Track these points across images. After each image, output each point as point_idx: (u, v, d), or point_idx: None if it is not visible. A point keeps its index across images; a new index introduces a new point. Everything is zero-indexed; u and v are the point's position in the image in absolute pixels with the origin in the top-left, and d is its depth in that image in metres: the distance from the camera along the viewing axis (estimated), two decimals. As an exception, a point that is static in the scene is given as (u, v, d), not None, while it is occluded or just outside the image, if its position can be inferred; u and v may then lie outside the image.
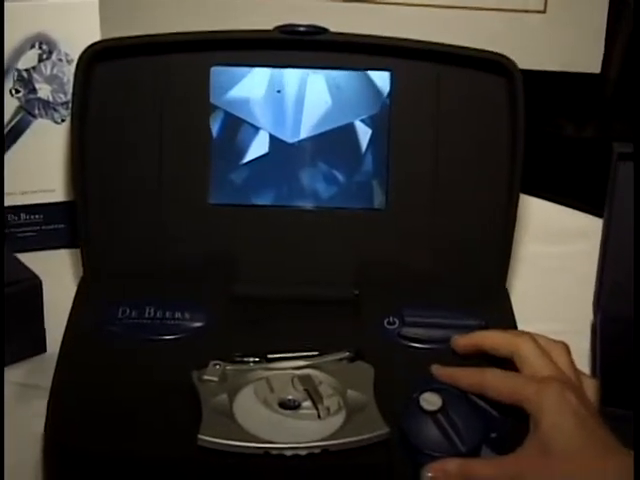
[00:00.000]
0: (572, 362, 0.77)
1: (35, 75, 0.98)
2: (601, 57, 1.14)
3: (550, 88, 1.17)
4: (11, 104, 0.99)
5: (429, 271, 0.89)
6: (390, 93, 0.89)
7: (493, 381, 0.74)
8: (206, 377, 0.76)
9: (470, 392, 0.75)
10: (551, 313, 0.95)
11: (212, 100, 0.89)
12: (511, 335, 0.78)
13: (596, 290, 0.94)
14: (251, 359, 0.78)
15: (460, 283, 0.89)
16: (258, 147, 0.90)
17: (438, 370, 0.77)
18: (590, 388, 0.77)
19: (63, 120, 0.99)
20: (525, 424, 0.72)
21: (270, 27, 0.86)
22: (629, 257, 0.90)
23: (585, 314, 0.94)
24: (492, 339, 0.79)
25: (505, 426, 0.74)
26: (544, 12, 1.14)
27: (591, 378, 0.79)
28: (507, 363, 0.77)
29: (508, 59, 0.86)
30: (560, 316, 0.95)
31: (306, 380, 0.77)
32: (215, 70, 0.88)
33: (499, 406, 0.74)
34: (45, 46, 0.98)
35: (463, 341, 0.81)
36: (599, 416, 0.73)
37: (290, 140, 0.90)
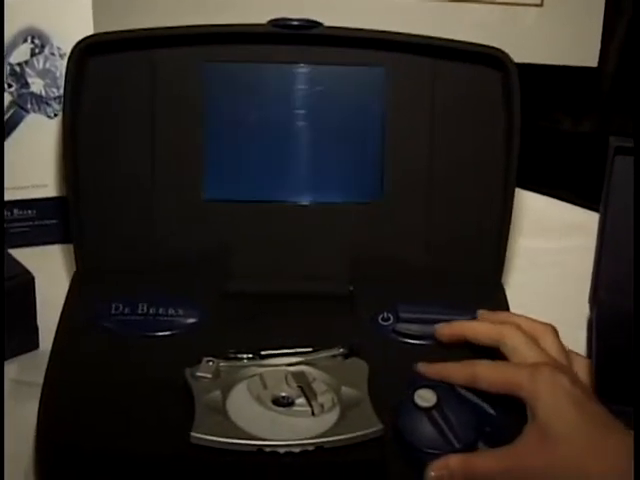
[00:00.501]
0: (560, 344, 0.77)
1: (27, 69, 0.98)
2: (598, 51, 1.14)
3: (547, 82, 1.16)
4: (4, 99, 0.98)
5: (424, 266, 0.89)
6: (385, 87, 0.89)
7: (484, 373, 0.74)
8: (199, 374, 0.75)
9: (462, 386, 0.75)
10: (547, 308, 0.95)
11: (205, 95, 0.88)
12: (496, 325, 0.78)
13: (592, 285, 0.93)
14: (244, 356, 0.78)
15: (455, 278, 0.88)
16: (252, 142, 0.89)
17: (426, 368, 0.77)
18: (582, 367, 0.77)
19: (56, 115, 0.99)
20: (519, 416, 0.72)
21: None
22: (625, 251, 0.90)
23: (581, 309, 0.94)
24: (476, 330, 0.79)
25: (500, 420, 0.74)
26: (541, 5, 1.13)
27: (582, 357, 0.78)
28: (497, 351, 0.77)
29: (503, 53, 0.86)
30: (556, 311, 0.94)
31: (300, 377, 0.76)
32: (208, 65, 0.88)
33: (493, 399, 0.74)
34: (37, 40, 0.97)
35: (447, 330, 0.81)
36: (593, 395, 0.73)
37: (284, 135, 0.89)
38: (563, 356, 0.76)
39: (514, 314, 0.82)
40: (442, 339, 0.81)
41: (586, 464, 0.68)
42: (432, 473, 0.70)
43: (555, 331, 0.78)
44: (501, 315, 0.82)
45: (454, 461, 0.70)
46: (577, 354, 0.79)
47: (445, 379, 0.75)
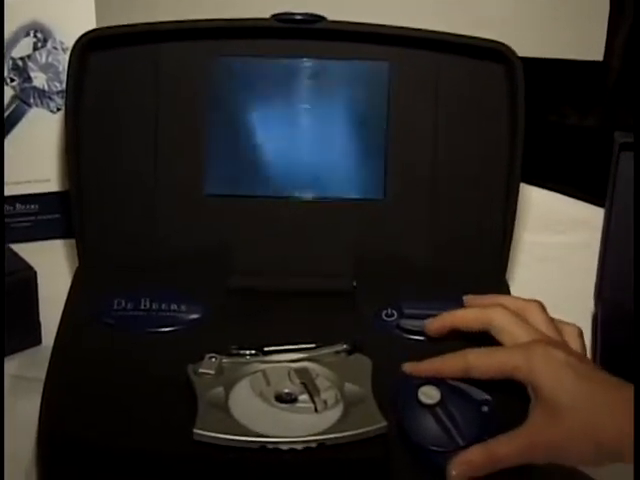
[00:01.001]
0: (547, 317, 0.77)
1: (30, 63, 0.98)
2: (603, 44, 1.13)
3: (552, 76, 1.16)
4: (6, 93, 0.98)
5: (428, 262, 0.89)
6: (389, 82, 0.88)
7: (476, 361, 0.74)
8: (202, 370, 0.75)
9: (456, 379, 0.74)
10: (551, 304, 0.94)
11: (208, 89, 0.88)
12: (482, 309, 0.78)
13: (597, 281, 0.93)
14: (247, 352, 0.78)
15: (459, 274, 0.88)
16: (254, 137, 0.89)
17: (414, 367, 0.76)
18: (573, 336, 0.77)
19: (59, 109, 0.99)
20: (521, 403, 0.72)
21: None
22: (630, 247, 0.89)
23: (586, 305, 0.94)
24: (465, 317, 0.79)
25: (502, 413, 0.73)
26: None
27: (570, 325, 0.78)
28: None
29: (507, 47, 0.85)
30: (561, 307, 0.93)
31: (303, 373, 0.76)
32: (211, 59, 0.87)
33: (491, 388, 0.74)
34: (40, 34, 0.97)
35: (436, 324, 0.80)
36: (589, 360, 0.74)
37: (287, 130, 0.89)
38: (552, 329, 0.77)
39: (499, 295, 0.81)
40: (431, 334, 0.80)
41: (595, 430, 0.68)
42: (453, 472, 0.70)
43: (541, 305, 0.79)
44: (487, 298, 0.81)
45: (474, 454, 0.70)
46: (565, 323, 0.79)
47: (437, 375, 0.75)
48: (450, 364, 0.75)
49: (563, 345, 0.75)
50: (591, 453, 0.69)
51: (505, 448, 0.70)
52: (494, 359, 0.74)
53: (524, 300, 0.79)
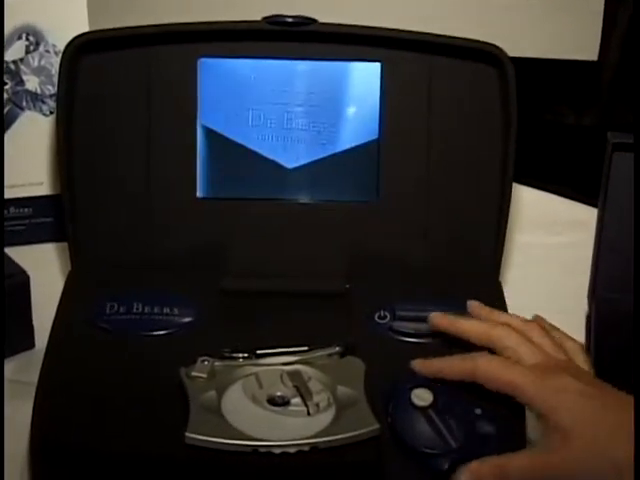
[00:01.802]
0: (551, 339, 0.77)
1: (22, 67, 0.97)
2: (598, 44, 1.13)
3: (548, 75, 1.16)
4: (-1, 96, 0.98)
5: (421, 264, 0.89)
6: (381, 84, 0.88)
7: (487, 368, 0.74)
8: (194, 374, 0.75)
9: (460, 380, 0.74)
10: (545, 304, 0.94)
11: (200, 92, 0.88)
12: (487, 327, 0.78)
13: (591, 281, 0.93)
14: (240, 355, 0.78)
15: (452, 276, 0.88)
16: (246, 139, 0.89)
17: (422, 365, 0.76)
18: (576, 353, 0.77)
19: (51, 112, 0.99)
20: (513, 411, 0.73)
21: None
22: (624, 248, 0.89)
23: (582, 306, 0.94)
24: (471, 330, 0.78)
25: (495, 417, 0.73)
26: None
27: (572, 341, 0.79)
28: None
29: (499, 49, 0.85)
30: (554, 307, 0.94)
31: (295, 376, 0.76)
32: (202, 61, 0.87)
33: (482, 389, 0.74)
34: (32, 37, 0.97)
35: (442, 324, 0.80)
36: (596, 380, 0.74)
37: (279, 132, 0.89)
38: (556, 350, 0.76)
39: (502, 313, 0.81)
40: (431, 327, 0.80)
41: (611, 449, 0.68)
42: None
43: (541, 326, 0.78)
44: (492, 313, 0.81)
45: (485, 468, 0.70)
46: (566, 338, 0.79)
47: (444, 375, 0.75)
48: (458, 365, 0.75)
49: (569, 367, 0.75)
50: (609, 472, 0.69)
51: (518, 465, 0.70)
52: (506, 375, 0.73)
53: (525, 320, 0.79)
